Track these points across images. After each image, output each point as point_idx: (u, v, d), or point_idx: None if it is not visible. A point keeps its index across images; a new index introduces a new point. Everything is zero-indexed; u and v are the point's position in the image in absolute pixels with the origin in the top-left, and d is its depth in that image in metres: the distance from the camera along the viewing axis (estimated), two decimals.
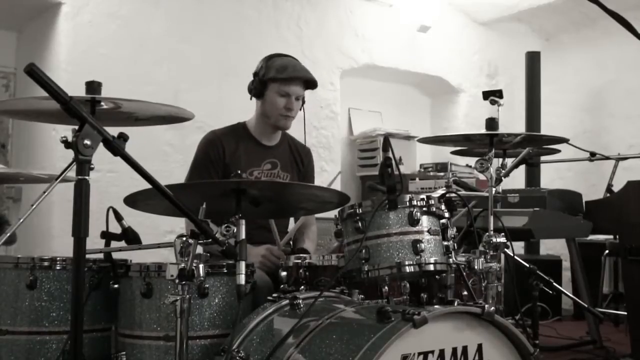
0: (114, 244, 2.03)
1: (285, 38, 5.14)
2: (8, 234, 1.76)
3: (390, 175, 1.84)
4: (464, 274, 2.23)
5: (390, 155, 1.87)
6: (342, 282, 2.01)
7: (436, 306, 1.72)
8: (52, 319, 2.00)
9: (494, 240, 2.24)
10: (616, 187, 4.14)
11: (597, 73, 6.08)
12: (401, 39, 5.85)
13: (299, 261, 2.12)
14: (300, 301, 1.87)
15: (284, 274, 2.11)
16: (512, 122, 5.95)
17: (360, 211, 1.91)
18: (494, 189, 2.34)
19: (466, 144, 2.73)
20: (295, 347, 1.68)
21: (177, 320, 1.71)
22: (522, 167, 2.74)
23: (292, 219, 2.94)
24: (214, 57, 4.72)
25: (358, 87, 5.86)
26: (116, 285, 2.03)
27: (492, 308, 1.70)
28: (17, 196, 4.70)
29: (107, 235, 2.02)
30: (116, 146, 1.40)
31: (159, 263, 1.96)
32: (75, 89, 1.64)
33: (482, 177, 2.88)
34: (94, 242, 1.63)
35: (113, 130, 1.42)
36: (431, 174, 5.63)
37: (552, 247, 5.96)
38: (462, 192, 2.81)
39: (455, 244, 1.95)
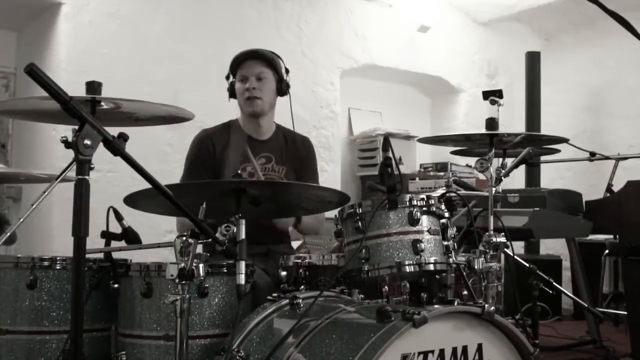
0: (114, 243, 2.03)
1: (285, 38, 5.14)
2: (8, 234, 1.76)
3: (390, 175, 1.84)
4: (464, 273, 2.23)
5: (390, 155, 1.87)
6: (342, 281, 2.00)
7: (436, 306, 1.71)
8: (52, 318, 2.00)
9: (494, 240, 2.24)
10: (616, 187, 4.14)
11: (597, 73, 6.08)
12: (401, 39, 5.85)
13: (299, 261, 2.12)
14: (300, 301, 1.86)
15: (284, 273, 2.11)
16: (512, 122, 5.95)
17: (360, 211, 1.91)
18: (494, 189, 2.34)
19: (466, 144, 2.73)
20: (295, 346, 1.68)
21: (177, 320, 1.71)
22: (522, 167, 2.74)
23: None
24: (214, 57, 4.71)
25: (358, 87, 5.86)
26: (116, 285, 2.03)
27: (492, 308, 1.70)
28: (17, 196, 4.70)
29: (107, 235, 2.02)
30: (116, 146, 1.40)
31: (159, 263, 1.95)
32: (75, 89, 1.64)
33: (482, 177, 2.88)
34: (94, 242, 1.63)
35: (113, 130, 1.43)
36: (431, 173, 5.64)
37: (552, 247, 5.96)
38: (462, 192, 2.81)
39: (455, 244, 1.95)
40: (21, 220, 1.80)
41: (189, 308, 1.71)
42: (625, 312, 3.95)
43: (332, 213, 2.10)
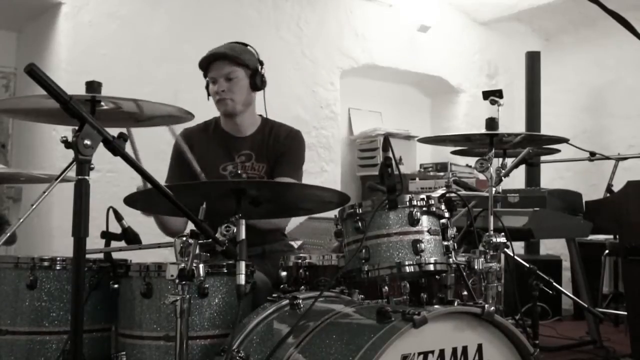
0: (114, 244, 2.03)
1: (285, 38, 5.13)
2: (8, 234, 1.76)
3: (390, 175, 1.84)
4: (464, 274, 2.22)
5: (390, 155, 1.87)
6: (342, 282, 2.00)
7: (436, 306, 1.71)
8: (52, 319, 1.99)
9: (494, 240, 2.24)
10: (616, 187, 4.14)
11: (597, 73, 6.08)
12: (401, 39, 5.85)
13: (299, 261, 2.12)
14: (300, 301, 1.86)
15: (284, 274, 2.11)
16: (512, 122, 5.95)
17: (360, 211, 1.90)
18: (494, 189, 2.34)
19: (466, 144, 2.72)
20: (295, 347, 1.68)
21: (177, 320, 1.70)
22: (522, 167, 2.73)
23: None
24: None
25: (358, 87, 5.86)
26: (116, 285, 2.03)
27: (492, 308, 1.70)
28: (17, 196, 4.70)
29: (107, 235, 2.02)
30: (116, 146, 1.40)
31: (159, 263, 1.95)
32: (75, 89, 1.64)
33: (482, 177, 2.88)
34: (94, 242, 1.63)
35: (113, 131, 1.42)
36: (431, 174, 5.64)
37: (552, 247, 5.96)
38: (462, 192, 2.81)
39: (455, 244, 1.95)
40: (21, 220, 1.80)
41: (189, 308, 1.71)
42: (625, 312, 3.95)
43: (332, 213, 2.10)
